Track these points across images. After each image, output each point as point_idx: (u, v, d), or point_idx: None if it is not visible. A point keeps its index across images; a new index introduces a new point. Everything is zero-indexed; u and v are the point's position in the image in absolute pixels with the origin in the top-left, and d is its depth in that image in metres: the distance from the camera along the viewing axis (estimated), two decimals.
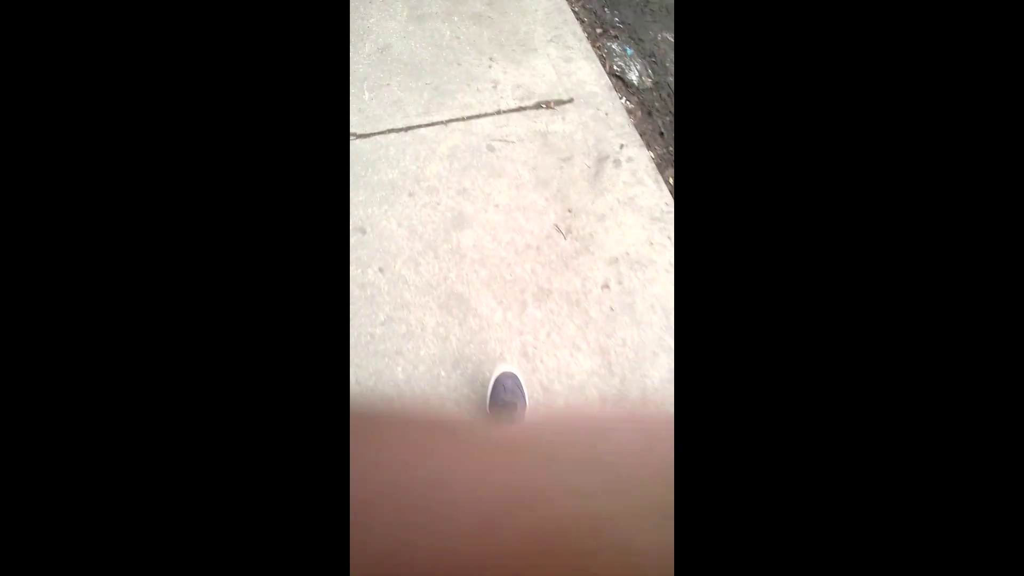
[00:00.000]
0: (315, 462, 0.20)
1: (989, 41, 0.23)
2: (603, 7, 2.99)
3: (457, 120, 2.36)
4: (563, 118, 2.41)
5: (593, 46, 2.73)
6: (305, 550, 0.19)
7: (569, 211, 2.18)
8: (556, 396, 1.79)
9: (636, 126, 2.46)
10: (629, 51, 2.81)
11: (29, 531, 0.19)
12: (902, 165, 0.23)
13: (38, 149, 0.22)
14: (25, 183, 0.22)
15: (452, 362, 1.82)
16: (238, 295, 0.23)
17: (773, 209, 0.24)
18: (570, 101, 2.47)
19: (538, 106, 2.43)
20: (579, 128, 2.39)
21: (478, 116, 2.37)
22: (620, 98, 2.55)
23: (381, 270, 1.99)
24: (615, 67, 2.71)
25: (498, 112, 2.40)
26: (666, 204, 2.24)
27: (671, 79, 2.71)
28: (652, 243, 2.16)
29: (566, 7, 2.85)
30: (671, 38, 2.88)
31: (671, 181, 2.36)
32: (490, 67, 2.54)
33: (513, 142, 2.32)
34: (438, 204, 2.15)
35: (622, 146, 2.37)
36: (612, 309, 1.99)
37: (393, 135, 2.29)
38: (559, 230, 2.14)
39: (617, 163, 2.33)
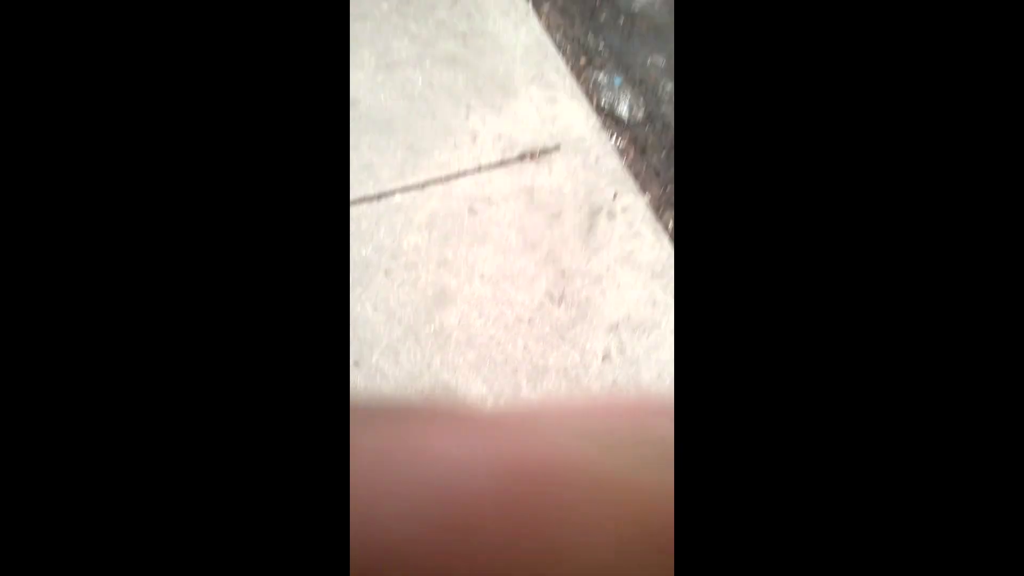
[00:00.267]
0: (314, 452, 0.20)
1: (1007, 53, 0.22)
2: (586, 34, 2.80)
3: (435, 182, 2.17)
4: (550, 169, 2.23)
5: (578, 80, 2.55)
6: (305, 548, 0.19)
7: (562, 274, 2.03)
8: None
9: (629, 167, 2.30)
10: (617, 81, 2.63)
11: (23, 526, 0.19)
12: (937, 214, 0.22)
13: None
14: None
15: None
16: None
17: (786, 261, 0.22)
18: (556, 148, 2.28)
19: (522, 157, 2.25)
20: (568, 179, 2.21)
21: (457, 175, 2.19)
22: (611, 138, 2.37)
23: (356, 364, 1.83)
24: (603, 102, 2.53)
25: (479, 169, 2.21)
26: (667, 256, 2.09)
27: (664, 110, 2.54)
28: (655, 303, 2.01)
29: (546, 40, 2.65)
30: (661, 62, 2.71)
31: (670, 227, 2.20)
32: (467, 117, 2.35)
33: (497, 202, 2.15)
34: (417, 281, 1.98)
35: (616, 195, 2.20)
36: (615, 382, 1.87)
37: (365, 205, 2.10)
38: (552, 299, 1.98)
39: (611, 215, 2.16)
